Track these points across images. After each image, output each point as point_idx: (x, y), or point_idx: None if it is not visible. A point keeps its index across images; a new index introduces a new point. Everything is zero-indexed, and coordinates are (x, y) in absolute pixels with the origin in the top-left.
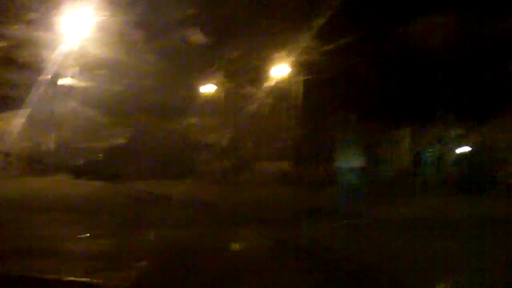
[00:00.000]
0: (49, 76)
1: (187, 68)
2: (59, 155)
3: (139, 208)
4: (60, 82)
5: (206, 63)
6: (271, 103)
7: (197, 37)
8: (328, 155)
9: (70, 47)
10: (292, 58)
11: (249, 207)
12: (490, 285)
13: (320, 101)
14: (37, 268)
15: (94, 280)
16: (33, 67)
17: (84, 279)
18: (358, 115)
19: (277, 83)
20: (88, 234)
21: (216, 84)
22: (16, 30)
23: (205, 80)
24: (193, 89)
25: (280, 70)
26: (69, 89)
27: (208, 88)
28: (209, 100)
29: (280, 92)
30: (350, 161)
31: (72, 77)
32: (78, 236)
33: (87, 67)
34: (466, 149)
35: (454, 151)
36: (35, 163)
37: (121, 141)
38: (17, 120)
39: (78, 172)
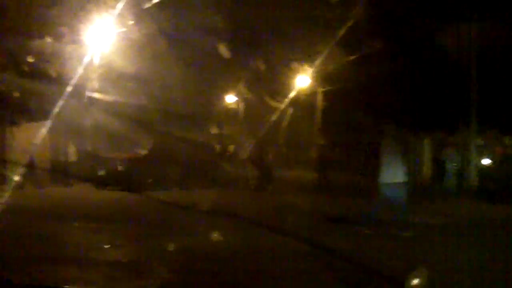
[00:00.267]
0: (74, 88)
1: (211, 79)
2: (82, 165)
3: (162, 218)
4: (85, 93)
5: (231, 74)
6: (296, 112)
7: (221, 48)
8: (355, 164)
9: (95, 59)
10: (316, 68)
11: (278, 215)
12: None
13: (344, 111)
14: (60, 276)
15: None
16: (59, 79)
17: None
18: (383, 123)
19: (301, 92)
20: (110, 244)
21: (240, 94)
22: (43, 44)
23: (229, 90)
24: (217, 99)
25: (304, 80)
26: (94, 100)
27: (232, 98)
28: (234, 110)
29: (305, 101)
30: (379, 170)
31: (96, 88)
32: (100, 245)
33: (111, 79)
34: (488, 159)
35: (479, 161)
36: (58, 173)
37: (144, 151)
38: (42, 131)
39: (101, 182)
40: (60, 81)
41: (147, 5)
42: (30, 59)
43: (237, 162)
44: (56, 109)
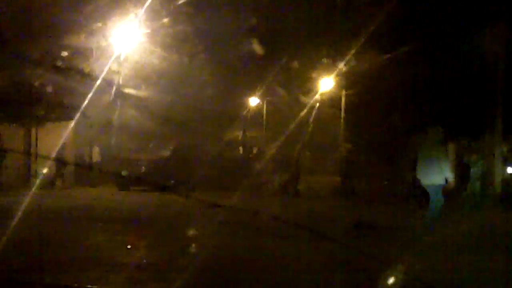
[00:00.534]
0: (101, 88)
1: (241, 80)
2: (106, 166)
3: (187, 219)
4: (111, 94)
5: (259, 75)
6: (322, 115)
7: (251, 49)
8: (384, 169)
9: (124, 58)
10: (344, 70)
11: (308, 219)
12: None
13: (370, 114)
14: (82, 278)
15: None
16: (89, 76)
17: None
18: (411, 127)
19: (327, 95)
20: (132, 245)
21: (266, 96)
22: (75, 41)
23: (256, 92)
24: (243, 101)
25: (330, 82)
26: (119, 100)
27: (256, 100)
28: (259, 112)
29: (331, 104)
30: (409, 175)
31: (123, 88)
32: (123, 246)
33: (139, 78)
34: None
35: (503, 168)
36: (83, 173)
37: (167, 152)
38: (67, 131)
39: (125, 183)
40: (91, 78)
41: (180, 4)
42: (61, 58)
43: (261, 164)
44: (82, 109)
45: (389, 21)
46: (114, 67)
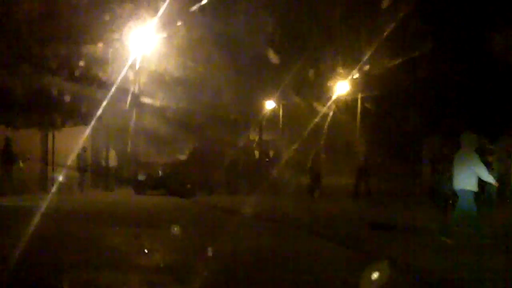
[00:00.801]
0: (118, 92)
1: (257, 84)
2: (123, 170)
3: (204, 222)
4: (128, 98)
5: (275, 79)
6: (339, 118)
7: (267, 53)
8: (400, 169)
9: (141, 64)
10: (360, 73)
11: (328, 221)
12: None
13: (388, 116)
14: (100, 281)
15: None
16: (105, 84)
17: None
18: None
19: (344, 98)
20: (150, 248)
21: (282, 100)
22: (91, 49)
23: (272, 95)
24: (260, 104)
25: (346, 86)
26: (136, 105)
27: (273, 104)
28: (275, 115)
29: (348, 106)
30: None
31: (139, 93)
32: (140, 249)
33: (155, 83)
34: None
35: None
36: (100, 177)
37: (184, 156)
38: (84, 135)
39: (141, 187)
40: (107, 85)
41: (195, 9)
42: (79, 64)
43: (279, 167)
44: (99, 114)
45: (406, 24)
46: (131, 73)
